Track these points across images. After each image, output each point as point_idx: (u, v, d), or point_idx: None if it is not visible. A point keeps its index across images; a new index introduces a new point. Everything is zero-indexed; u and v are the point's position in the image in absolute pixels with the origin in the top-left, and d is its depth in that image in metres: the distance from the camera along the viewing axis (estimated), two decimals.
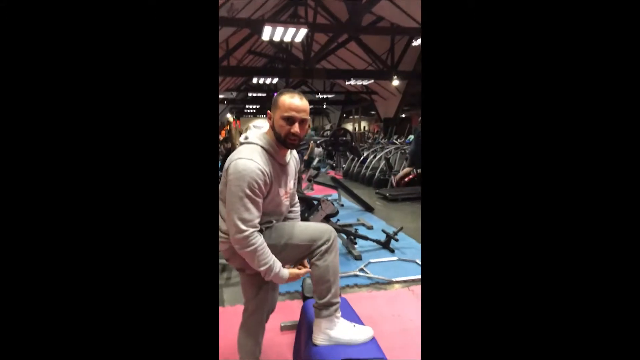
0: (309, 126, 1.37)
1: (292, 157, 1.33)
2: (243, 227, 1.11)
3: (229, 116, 12.02)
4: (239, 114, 18.28)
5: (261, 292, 1.35)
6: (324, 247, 1.25)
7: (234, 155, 1.18)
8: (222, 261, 2.92)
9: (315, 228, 1.29)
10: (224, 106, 14.62)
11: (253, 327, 1.38)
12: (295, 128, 1.17)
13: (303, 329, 1.49)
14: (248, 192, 1.11)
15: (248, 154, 1.15)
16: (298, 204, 1.50)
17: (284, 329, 1.95)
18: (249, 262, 1.18)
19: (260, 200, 1.16)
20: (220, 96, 8.57)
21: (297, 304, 2.27)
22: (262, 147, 1.20)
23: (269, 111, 1.23)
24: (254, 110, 18.52)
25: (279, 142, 1.20)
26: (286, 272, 1.23)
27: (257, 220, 1.15)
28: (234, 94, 5.73)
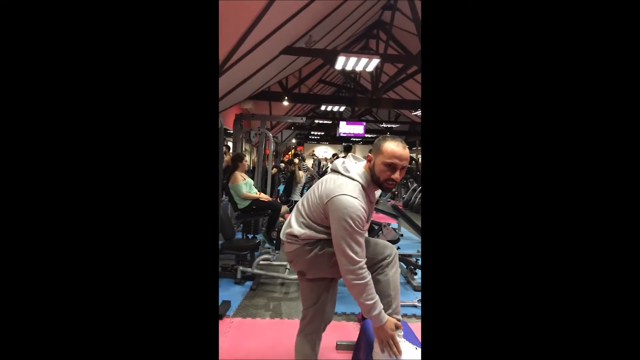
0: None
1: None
2: (357, 258, 1.17)
3: (294, 142, 12.56)
4: (304, 139, 19.02)
5: (320, 300, 1.39)
6: (385, 262, 1.28)
7: (338, 189, 1.21)
8: (282, 275, 3.02)
9: (376, 243, 1.32)
10: (291, 131, 15.30)
11: (310, 334, 1.42)
12: (396, 175, 1.23)
13: (362, 347, 1.50)
14: (355, 227, 1.16)
15: (352, 191, 1.20)
16: None
17: (339, 347, 1.95)
18: (355, 295, 1.22)
19: (363, 233, 1.22)
20: (289, 121, 9.03)
21: (353, 325, 2.26)
22: (362, 185, 1.26)
23: (369, 154, 1.31)
24: (318, 137, 19.14)
25: (375, 183, 1.26)
26: (386, 316, 1.23)
27: (364, 252, 1.21)
28: (303, 119, 6.03)
